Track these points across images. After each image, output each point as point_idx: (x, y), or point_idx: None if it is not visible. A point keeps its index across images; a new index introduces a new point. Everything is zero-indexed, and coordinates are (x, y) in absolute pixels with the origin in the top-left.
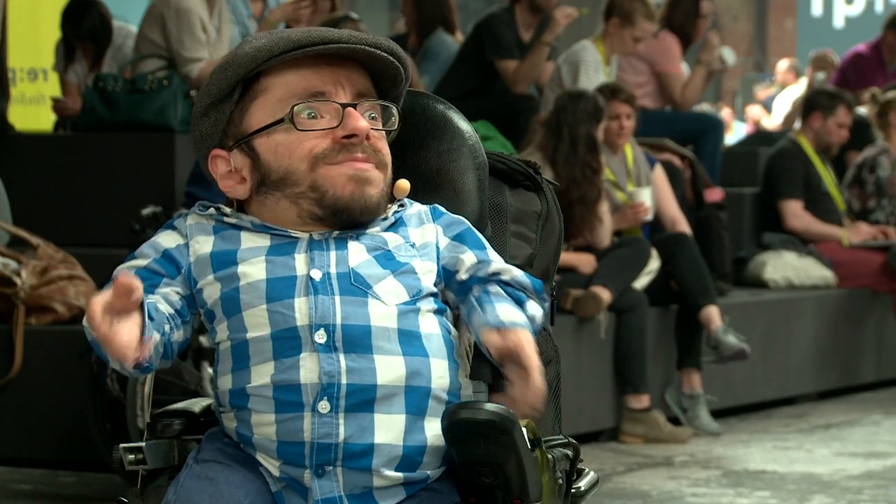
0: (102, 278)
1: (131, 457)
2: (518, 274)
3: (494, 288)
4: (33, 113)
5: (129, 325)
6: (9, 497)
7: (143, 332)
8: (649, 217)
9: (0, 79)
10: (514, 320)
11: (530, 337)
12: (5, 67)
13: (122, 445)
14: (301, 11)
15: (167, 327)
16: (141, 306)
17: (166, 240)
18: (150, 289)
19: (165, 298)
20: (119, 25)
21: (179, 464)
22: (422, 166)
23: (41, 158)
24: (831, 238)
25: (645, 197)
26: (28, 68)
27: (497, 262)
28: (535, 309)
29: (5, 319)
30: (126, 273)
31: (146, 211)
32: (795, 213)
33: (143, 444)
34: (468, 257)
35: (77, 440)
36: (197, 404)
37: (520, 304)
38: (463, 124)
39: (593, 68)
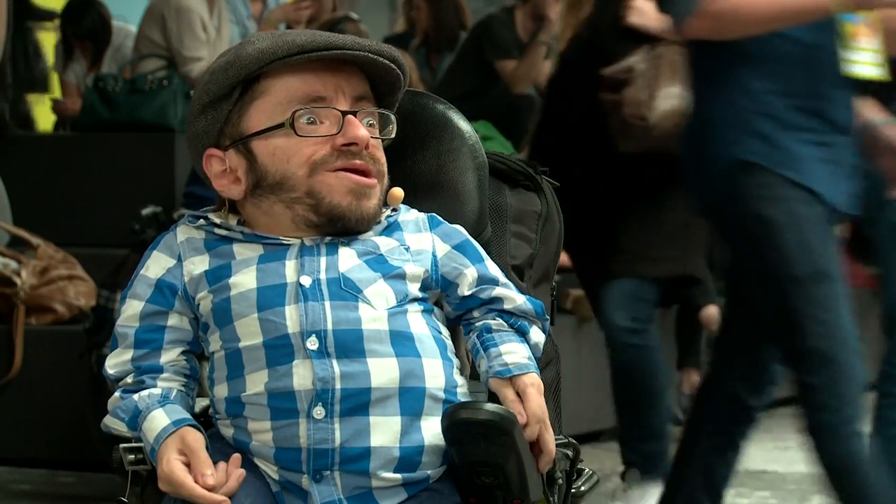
0: (102, 278)
1: (131, 457)
2: (521, 301)
3: (497, 322)
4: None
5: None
6: (9, 497)
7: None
8: None
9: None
10: (519, 362)
11: (536, 378)
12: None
13: (122, 445)
14: (301, 12)
15: (190, 401)
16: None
17: (155, 268)
18: (156, 351)
19: (174, 368)
20: (119, 25)
21: None
22: (422, 166)
23: (41, 158)
24: None
25: None
26: None
27: (499, 284)
28: (537, 335)
29: (5, 319)
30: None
31: (146, 211)
32: None
33: (143, 444)
34: (470, 273)
35: (77, 440)
36: (197, 404)
37: (523, 333)
38: (463, 124)
39: None
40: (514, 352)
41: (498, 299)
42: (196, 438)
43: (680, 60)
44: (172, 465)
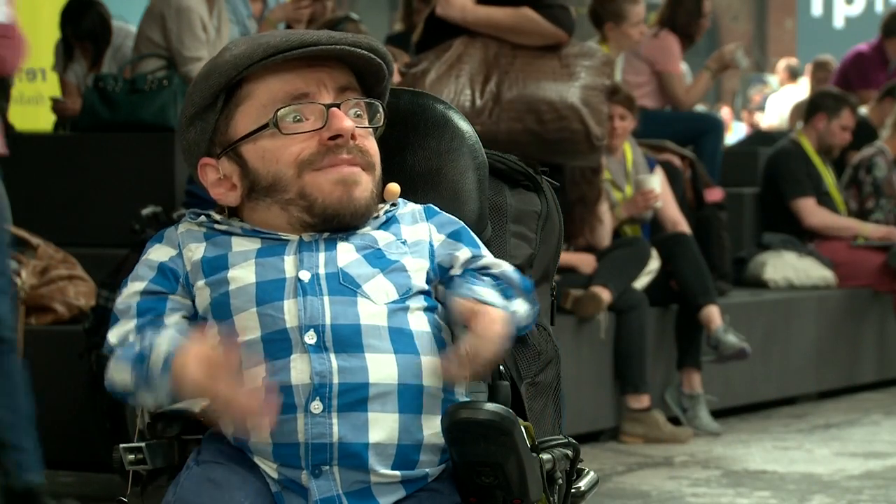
0: (102, 278)
1: (131, 457)
2: (509, 270)
3: (484, 278)
4: (32, 113)
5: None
6: None
7: None
8: (659, 204)
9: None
10: (491, 300)
11: (504, 315)
12: None
13: (122, 445)
14: (301, 11)
15: None
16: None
17: (158, 254)
18: (159, 317)
19: (177, 328)
20: (119, 25)
21: (180, 464)
22: (421, 166)
23: (41, 158)
24: (853, 230)
25: (654, 183)
26: (27, 68)
27: (490, 257)
28: (519, 306)
29: None
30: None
31: (146, 211)
32: (811, 210)
33: (142, 444)
34: (463, 253)
35: (77, 440)
36: (197, 404)
37: (506, 297)
38: (463, 124)
39: None
40: (488, 294)
41: (486, 266)
42: (213, 348)
43: (474, 55)
44: (198, 366)
